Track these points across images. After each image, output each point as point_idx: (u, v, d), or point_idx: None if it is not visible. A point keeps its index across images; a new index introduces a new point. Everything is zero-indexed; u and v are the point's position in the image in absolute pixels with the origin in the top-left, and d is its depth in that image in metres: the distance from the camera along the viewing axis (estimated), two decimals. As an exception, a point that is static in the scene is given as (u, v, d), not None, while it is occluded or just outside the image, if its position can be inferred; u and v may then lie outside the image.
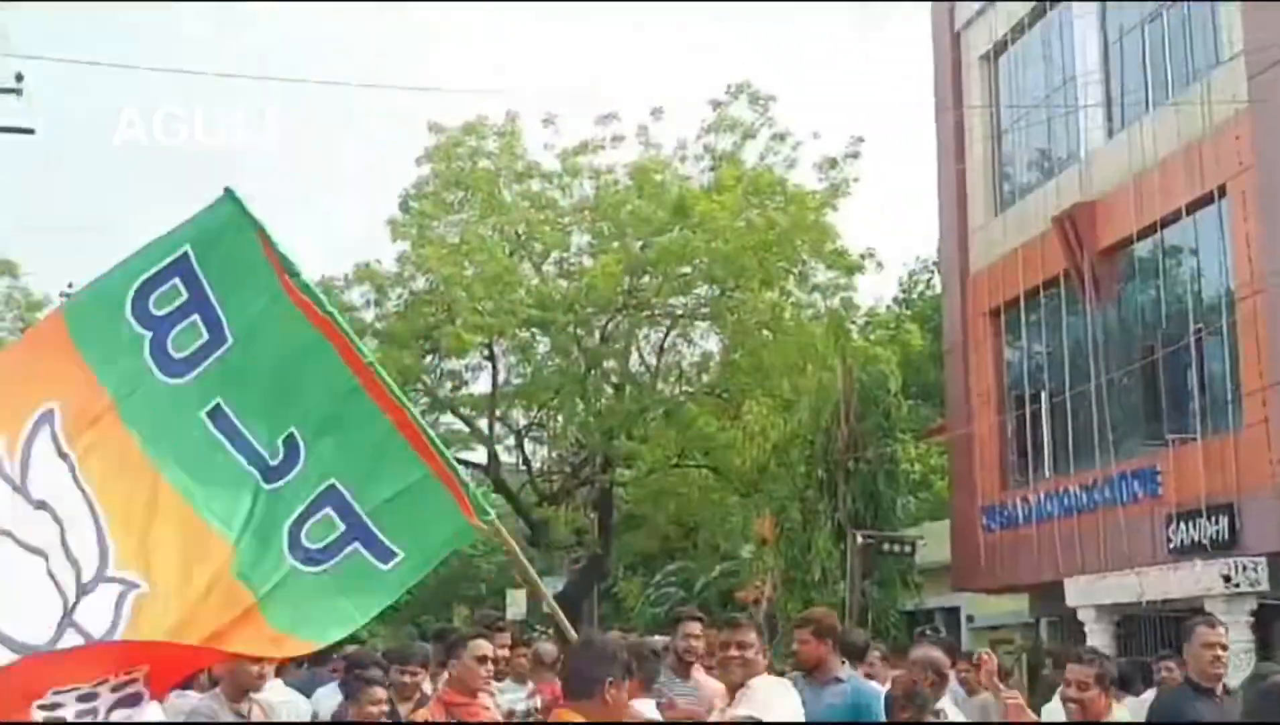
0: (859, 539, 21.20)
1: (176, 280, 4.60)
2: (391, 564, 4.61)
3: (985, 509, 21.97)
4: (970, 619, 25.51)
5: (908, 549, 22.22)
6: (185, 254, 4.62)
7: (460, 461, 31.34)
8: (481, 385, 28.61)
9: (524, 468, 31.03)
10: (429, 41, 76.03)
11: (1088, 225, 19.64)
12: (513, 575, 37.38)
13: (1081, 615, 18.34)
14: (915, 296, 35.21)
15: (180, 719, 6.01)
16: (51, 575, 4.24)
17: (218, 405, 4.61)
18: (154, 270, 4.60)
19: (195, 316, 4.62)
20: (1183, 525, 17.33)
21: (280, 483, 4.59)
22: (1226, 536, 16.59)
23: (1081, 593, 18.24)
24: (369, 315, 27.67)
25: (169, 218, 4.71)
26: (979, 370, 22.78)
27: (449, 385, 28.65)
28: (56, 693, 4.02)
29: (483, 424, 28.92)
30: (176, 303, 4.61)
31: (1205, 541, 16.86)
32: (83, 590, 4.26)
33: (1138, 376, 18.97)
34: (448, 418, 29.87)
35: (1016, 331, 22.31)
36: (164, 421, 4.56)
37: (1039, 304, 21.36)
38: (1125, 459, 18.87)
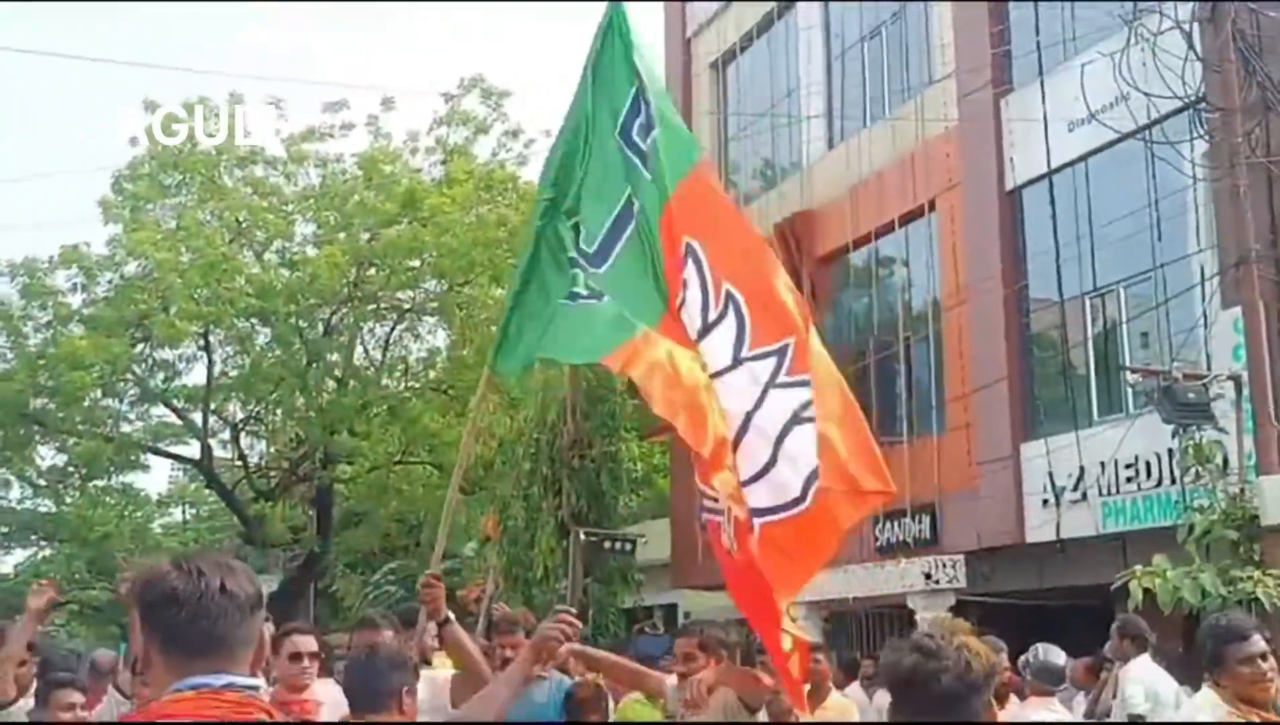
0: (581, 536, 21.29)
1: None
2: None
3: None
4: (687, 615, 25.96)
5: (629, 547, 22.42)
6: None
7: (172, 456, 30.23)
8: (196, 377, 27.54)
9: (240, 463, 30.03)
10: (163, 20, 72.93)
11: (807, 234, 20.26)
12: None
13: (792, 610, 18.87)
14: (643, 298, 35.69)
15: None
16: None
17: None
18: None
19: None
20: (889, 525, 18.05)
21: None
22: (928, 536, 17.37)
23: (793, 589, 18.73)
24: (76, 300, 26.29)
25: None
26: (702, 372, 23.17)
27: (161, 376, 27.42)
28: None
29: (196, 417, 27.83)
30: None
31: (909, 540, 17.60)
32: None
33: (850, 381, 19.61)
34: (160, 410, 28.66)
35: (738, 335, 22.77)
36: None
37: (760, 308, 21.88)
38: (837, 460, 19.48)
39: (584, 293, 5.29)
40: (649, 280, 5.37)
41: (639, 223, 5.46)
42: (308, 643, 6.14)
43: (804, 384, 5.21)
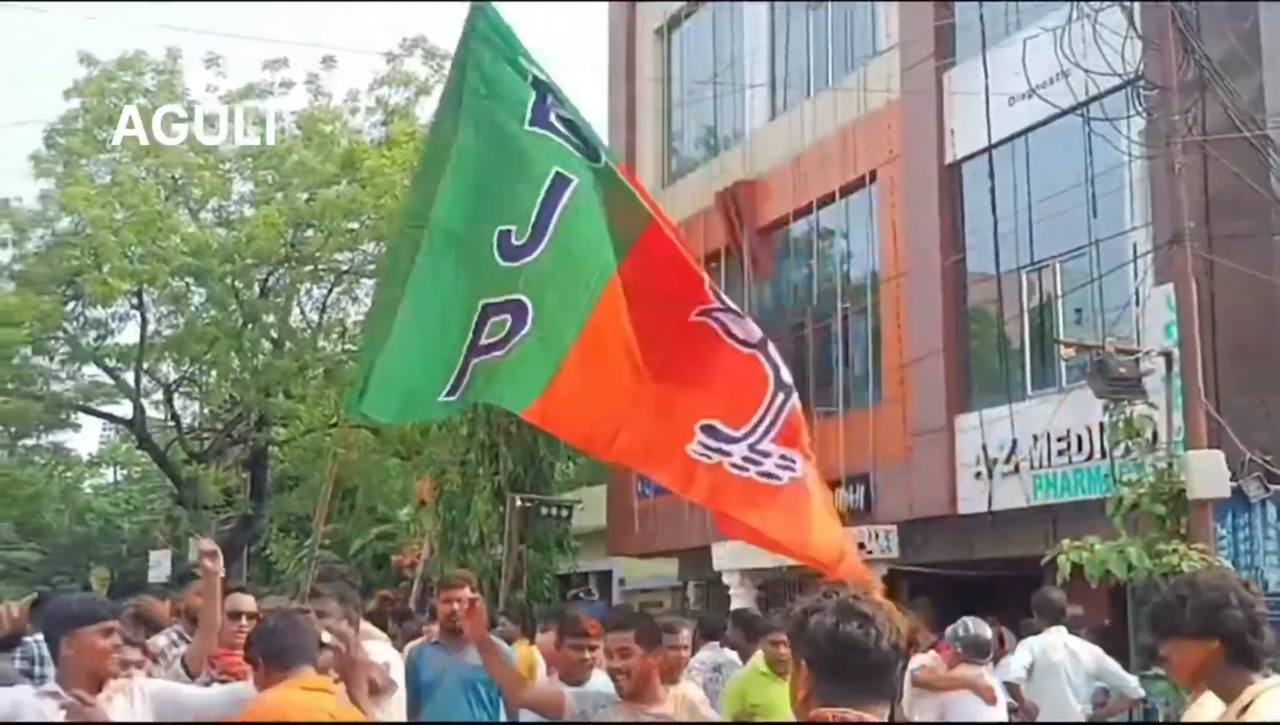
0: (518, 502, 21.26)
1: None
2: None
3: (640, 476, 22.35)
4: (622, 582, 26.04)
5: (565, 513, 22.42)
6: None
7: (103, 415, 29.85)
8: (129, 336, 27.23)
9: (173, 424, 29.71)
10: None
11: (748, 203, 20.24)
12: (156, 536, 35.84)
13: (726, 579, 18.96)
14: (583, 265, 35.60)
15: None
16: None
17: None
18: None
19: None
20: (823, 494, 18.11)
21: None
22: (862, 506, 17.47)
23: (727, 558, 18.84)
24: (5, 256, 25.91)
25: None
26: (641, 339, 23.15)
27: (93, 334, 27.13)
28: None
29: (129, 377, 27.49)
30: None
31: (843, 510, 17.67)
32: None
33: (788, 351, 19.70)
34: (91, 369, 28.30)
35: (678, 303, 22.76)
36: None
37: (700, 277, 21.87)
38: (774, 430, 19.53)
39: (495, 336, 5.21)
40: (601, 229, 5.38)
41: (576, 189, 5.39)
42: (244, 602, 6.31)
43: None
